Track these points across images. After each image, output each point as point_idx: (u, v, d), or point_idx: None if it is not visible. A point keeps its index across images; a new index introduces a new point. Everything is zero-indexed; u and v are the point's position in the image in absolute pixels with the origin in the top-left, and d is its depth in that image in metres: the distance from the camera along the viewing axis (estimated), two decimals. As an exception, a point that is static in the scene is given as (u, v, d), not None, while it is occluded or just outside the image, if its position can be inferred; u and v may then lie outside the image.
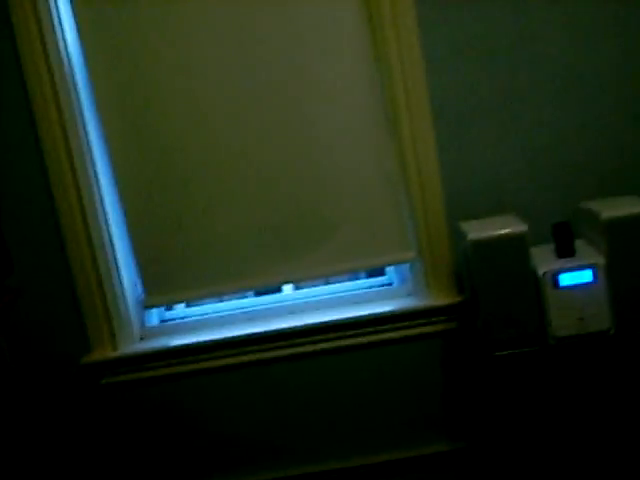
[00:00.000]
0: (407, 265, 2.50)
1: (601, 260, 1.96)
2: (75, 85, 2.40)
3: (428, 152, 2.35)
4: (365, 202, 2.42)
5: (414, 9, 2.28)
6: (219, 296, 2.59)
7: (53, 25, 2.35)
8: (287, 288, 2.63)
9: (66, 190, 2.40)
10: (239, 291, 2.54)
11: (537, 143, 2.36)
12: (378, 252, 2.44)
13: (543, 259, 2.03)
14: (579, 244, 2.10)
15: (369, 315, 2.43)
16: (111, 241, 2.48)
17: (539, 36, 2.31)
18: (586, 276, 1.96)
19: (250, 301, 2.62)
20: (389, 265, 2.53)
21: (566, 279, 1.97)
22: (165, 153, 2.42)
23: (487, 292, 2.00)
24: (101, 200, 2.45)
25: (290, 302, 2.57)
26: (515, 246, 1.97)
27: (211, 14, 2.34)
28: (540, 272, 1.98)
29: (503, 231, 1.98)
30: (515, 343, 2.02)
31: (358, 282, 2.61)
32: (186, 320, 2.62)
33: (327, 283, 2.64)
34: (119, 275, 2.50)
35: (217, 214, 2.44)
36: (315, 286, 2.63)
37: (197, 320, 2.60)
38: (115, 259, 2.49)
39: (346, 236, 2.43)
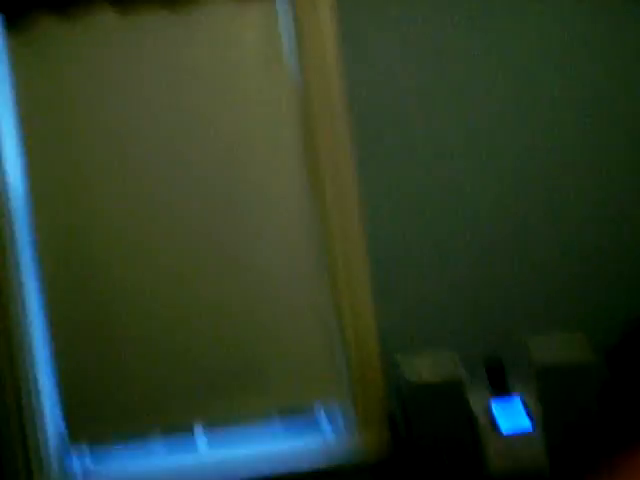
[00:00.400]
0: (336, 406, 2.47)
1: (536, 406, 2.02)
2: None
3: (361, 287, 2.40)
4: (295, 339, 2.42)
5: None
6: (141, 433, 2.44)
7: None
8: (202, 443, 2.47)
9: None
10: (163, 427, 2.43)
11: (466, 280, 2.44)
12: (306, 392, 2.42)
13: (479, 399, 2.06)
14: (512, 380, 2.14)
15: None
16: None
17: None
18: (523, 422, 2.00)
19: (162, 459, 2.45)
20: (319, 404, 2.47)
21: (505, 424, 2.00)
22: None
23: (425, 437, 2.02)
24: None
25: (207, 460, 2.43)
26: (454, 391, 2.01)
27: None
28: (479, 415, 2.01)
29: (441, 375, 2.03)
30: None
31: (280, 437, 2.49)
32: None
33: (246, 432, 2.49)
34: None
35: (143, 348, 2.42)
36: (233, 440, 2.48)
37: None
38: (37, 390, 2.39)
39: (274, 376, 2.42)
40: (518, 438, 1.99)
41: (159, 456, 2.43)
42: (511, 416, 2.01)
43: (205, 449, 2.44)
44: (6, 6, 2.43)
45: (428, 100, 2.48)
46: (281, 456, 2.38)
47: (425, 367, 2.06)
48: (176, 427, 2.43)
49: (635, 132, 2.49)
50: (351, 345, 2.39)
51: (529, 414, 2.00)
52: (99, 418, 2.41)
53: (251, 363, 2.42)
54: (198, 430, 2.44)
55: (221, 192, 2.44)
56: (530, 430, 1.99)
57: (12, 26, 2.44)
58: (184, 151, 2.45)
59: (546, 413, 2.02)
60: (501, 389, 2.08)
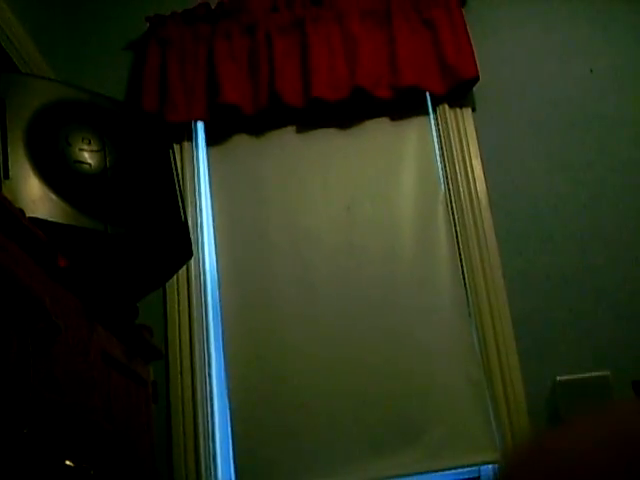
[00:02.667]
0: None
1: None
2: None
3: (509, 359, 2.65)
4: (452, 405, 2.62)
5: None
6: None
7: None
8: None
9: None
10: None
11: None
12: (464, 453, 2.57)
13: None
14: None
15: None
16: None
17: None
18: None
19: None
20: (475, 466, 2.60)
21: None
22: (275, 356, 2.73)
23: None
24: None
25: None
26: (600, 387, 2.15)
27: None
28: None
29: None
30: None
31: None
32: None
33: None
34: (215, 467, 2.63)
35: (316, 410, 2.65)
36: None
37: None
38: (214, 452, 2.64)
39: (434, 436, 2.58)
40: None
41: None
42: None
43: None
44: (210, 127, 3.02)
45: (557, 200, 2.86)
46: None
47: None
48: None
49: None
50: (503, 411, 2.60)
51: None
52: (269, 476, 2.61)
53: (411, 428, 2.63)
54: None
55: (388, 278, 2.80)
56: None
57: (212, 139, 3.04)
58: (352, 243, 2.85)
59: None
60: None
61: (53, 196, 1.56)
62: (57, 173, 1.61)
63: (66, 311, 1.46)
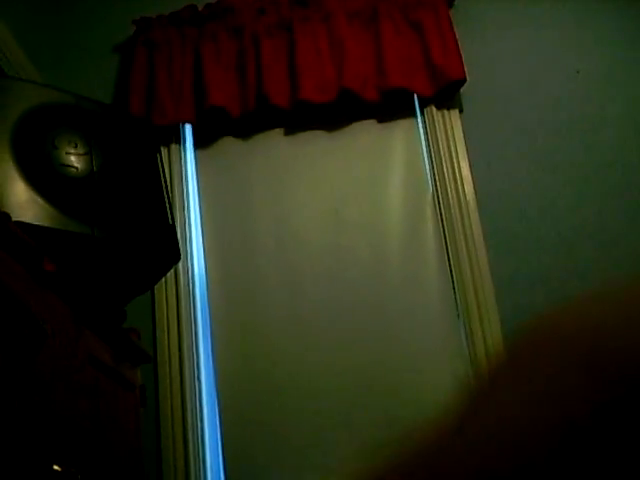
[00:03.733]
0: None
1: None
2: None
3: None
4: (440, 404, 2.64)
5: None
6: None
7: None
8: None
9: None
10: None
11: None
12: None
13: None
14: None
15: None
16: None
17: None
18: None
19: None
20: None
21: None
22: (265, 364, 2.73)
23: None
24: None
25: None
26: None
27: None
28: None
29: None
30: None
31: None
32: None
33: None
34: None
35: (306, 413, 2.65)
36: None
37: None
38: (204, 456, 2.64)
39: None
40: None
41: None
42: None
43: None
44: (198, 129, 3.02)
45: (544, 200, 2.88)
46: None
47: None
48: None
49: None
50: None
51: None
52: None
53: (399, 427, 2.63)
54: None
55: (376, 279, 2.80)
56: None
57: (200, 142, 3.04)
58: (340, 245, 2.85)
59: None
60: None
61: (40, 200, 1.56)
62: (43, 176, 1.60)
63: (53, 315, 1.45)
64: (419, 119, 3.02)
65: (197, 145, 3.04)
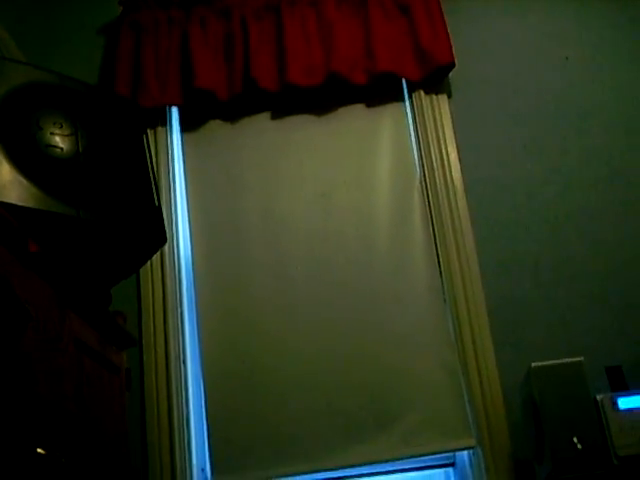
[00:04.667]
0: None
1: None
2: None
3: (484, 342, 2.67)
4: (427, 391, 2.62)
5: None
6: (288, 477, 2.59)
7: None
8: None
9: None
10: (308, 473, 2.57)
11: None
12: (439, 439, 2.57)
13: (599, 389, 2.23)
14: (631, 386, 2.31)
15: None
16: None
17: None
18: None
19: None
20: (450, 452, 2.62)
21: (624, 403, 2.15)
22: (252, 345, 2.71)
23: (551, 417, 2.16)
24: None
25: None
26: (575, 373, 2.18)
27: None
28: (599, 397, 2.18)
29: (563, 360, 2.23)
30: (580, 466, 2.10)
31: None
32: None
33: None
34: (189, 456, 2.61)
35: (291, 397, 2.63)
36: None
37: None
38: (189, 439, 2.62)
39: (408, 423, 2.58)
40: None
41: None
42: (633, 399, 2.15)
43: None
44: (185, 112, 2.99)
45: (532, 187, 2.87)
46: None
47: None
48: (317, 470, 2.61)
49: None
50: (477, 397, 2.61)
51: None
52: (244, 463, 2.60)
53: (386, 414, 2.63)
54: (336, 473, 2.62)
55: (363, 264, 2.79)
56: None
57: (187, 125, 3.01)
58: (328, 230, 2.84)
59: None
60: (621, 386, 2.26)
61: (24, 180, 1.54)
62: (28, 157, 1.58)
63: (37, 297, 1.44)
64: (407, 103, 3.01)
65: (184, 128, 3.01)
